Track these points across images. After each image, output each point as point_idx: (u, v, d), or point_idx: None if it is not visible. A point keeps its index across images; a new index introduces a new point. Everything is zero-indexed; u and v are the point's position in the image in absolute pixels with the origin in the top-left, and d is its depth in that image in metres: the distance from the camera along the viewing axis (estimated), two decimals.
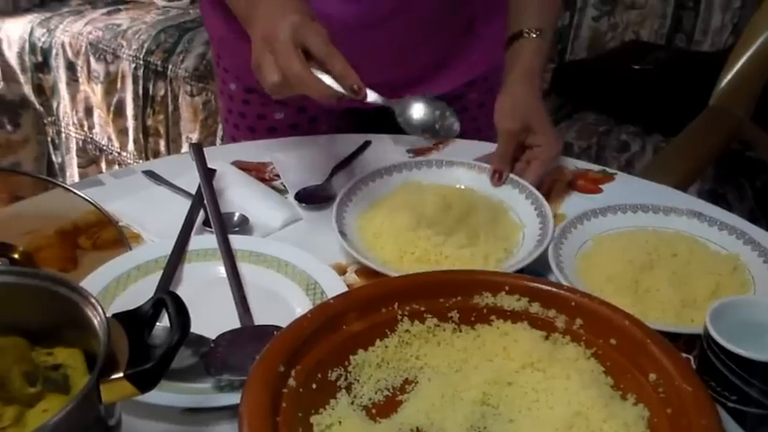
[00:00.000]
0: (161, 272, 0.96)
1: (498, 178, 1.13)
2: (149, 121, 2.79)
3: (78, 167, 3.01)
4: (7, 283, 0.70)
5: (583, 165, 1.28)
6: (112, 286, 0.94)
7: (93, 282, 0.92)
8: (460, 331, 0.85)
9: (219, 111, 1.51)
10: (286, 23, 0.95)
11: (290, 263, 0.98)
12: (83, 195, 1.04)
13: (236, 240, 1.02)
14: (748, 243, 1.03)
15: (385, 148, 1.28)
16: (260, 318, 0.90)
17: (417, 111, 0.99)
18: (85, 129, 2.94)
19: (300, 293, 0.95)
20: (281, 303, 0.94)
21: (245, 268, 0.98)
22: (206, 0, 1.37)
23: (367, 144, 1.28)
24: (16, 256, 0.97)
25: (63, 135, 3.02)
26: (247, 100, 1.38)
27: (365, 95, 0.96)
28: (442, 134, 1.02)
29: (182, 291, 0.94)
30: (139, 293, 0.90)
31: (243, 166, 1.22)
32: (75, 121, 2.94)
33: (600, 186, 1.22)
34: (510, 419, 0.76)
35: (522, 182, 1.12)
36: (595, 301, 0.83)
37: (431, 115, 0.99)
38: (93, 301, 0.67)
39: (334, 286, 0.94)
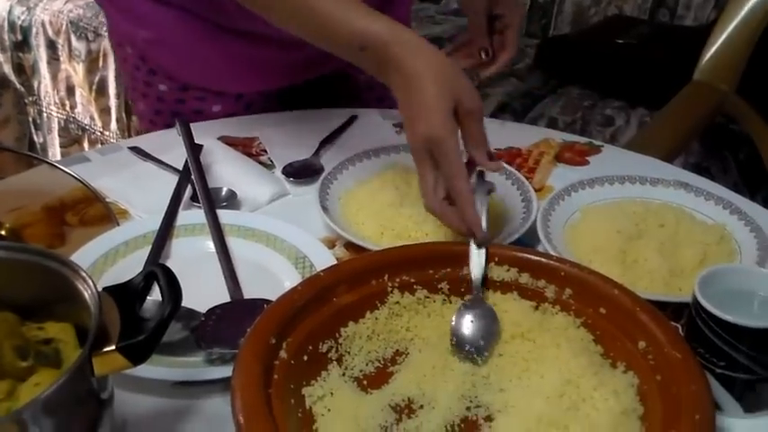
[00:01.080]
0: (149, 247, 0.96)
1: (486, 54, 1.20)
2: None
3: (60, 147, 2.99)
4: None
5: (569, 137, 1.28)
6: (101, 262, 0.93)
7: (82, 257, 0.92)
8: (450, 302, 0.85)
9: (139, 118, 1.43)
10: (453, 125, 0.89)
11: (278, 237, 0.98)
12: (69, 171, 1.03)
13: (225, 215, 1.02)
14: (734, 213, 1.04)
15: (372, 122, 1.28)
16: (250, 291, 0.90)
17: None
18: (67, 108, 2.92)
19: (290, 267, 0.95)
20: (271, 277, 0.94)
21: (233, 243, 0.98)
22: (113, 9, 1.30)
23: (353, 118, 1.28)
24: (3, 232, 0.97)
25: (44, 115, 2.99)
26: (182, 99, 1.32)
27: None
28: None
29: (171, 265, 0.94)
30: (128, 269, 0.90)
31: (230, 142, 1.22)
32: (57, 101, 2.92)
33: (587, 158, 1.23)
34: (501, 389, 0.77)
35: (510, 168, 1.11)
36: (584, 271, 0.84)
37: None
38: (83, 274, 0.67)
39: (323, 259, 0.94)
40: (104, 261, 0.94)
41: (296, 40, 0.99)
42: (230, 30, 1.23)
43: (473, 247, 0.85)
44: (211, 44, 1.25)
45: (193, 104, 1.32)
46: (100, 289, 0.66)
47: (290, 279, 0.92)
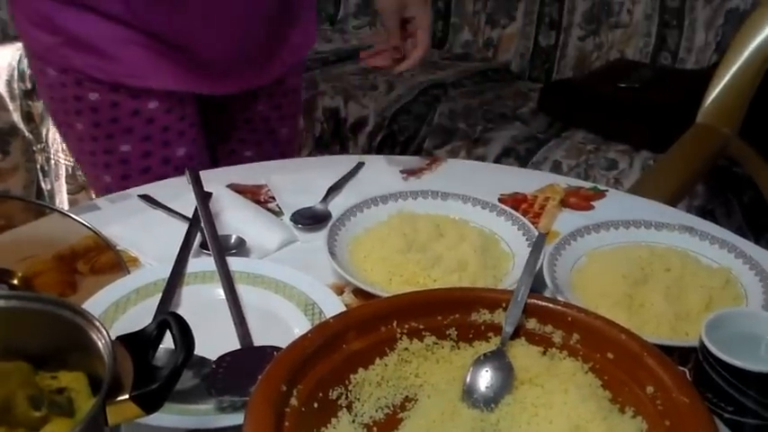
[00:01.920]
0: (160, 295, 0.97)
1: (397, 52, 1.38)
2: None
3: (68, 194, 3.00)
4: (11, 307, 0.70)
5: (574, 182, 1.30)
6: (112, 310, 0.94)
7: (93, 306, 0.93)
8: (459, 348, 0.86)
9: (78, 141, 1.40)
10: None
11: (287, 284, 0.99)
12: (80, 220, 1.05)
13: (234, 262, 1.02)
14: (739, 256, 1.05)
15: (378, 169, 1.29)
16: (259, 339, 0.91)
17: None
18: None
19: (299, 314, 0.95)
20: (280, 324, 0.94)
21: (242, 290, 0.99)
22: (28, 24, 1.31)
23: (360, 165, 1.29)
24: (15, 281, 0.98)
25: (52, 162, 3.02)
26: (116, 102, 1.32)
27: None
28: None
29: (181, 313, 0.95)
30: (139, 317, 0.91)
31: (238, 189, 1.23)
32: (64, 148, 2.94)
33: (592, 203, 1.24)
34: None
35: (516, 213, 1.13)
36: (591, 316, 0.85)
37: None
38: (97, 323, 0.67)
39: (332, 306, 0.95)
40: (115, 309, 0.94)
41: (206, 43, 1.12)
42: (142, 30, 1.28)
43: (513, 301, 0.86)
44: (127, 43, 1.29)
45: (129, 105, 1.33)
46: (113, 338, 0.67)
47: (299, 326, 0.93)
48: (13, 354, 0.70)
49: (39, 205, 1.07)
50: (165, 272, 1.00)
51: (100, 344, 0.67)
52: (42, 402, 0.66)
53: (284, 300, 0.98)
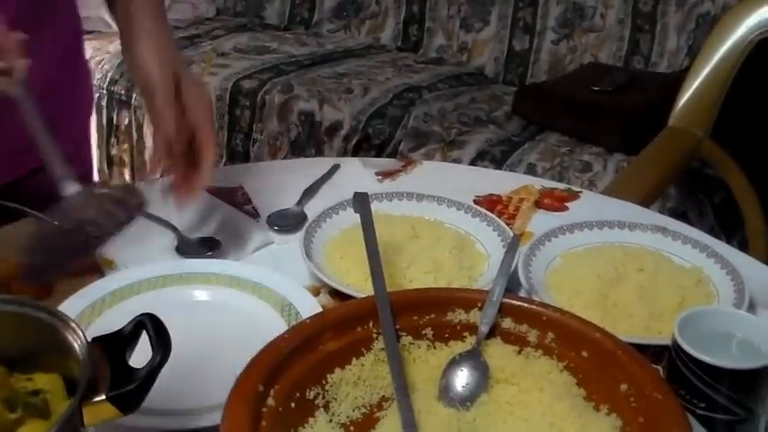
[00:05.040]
0: (135, 297, 0.97)
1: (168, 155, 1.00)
2: (114, 151, 2.78)
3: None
4: None
5: (549, 183, 1.31)
6: (87, 312, 0.94)
7: (68, 308, 0.93)
8: (435, 348, 0.86)
9: None
10: None
11: (263, 285, 0.99)
12: (55, 223, 1.04)
13: (210, 264, 1.02)
14: (711, 256, 1.06)
15: (354, 171, 1.30)
16: (235, 340, 0.91)
17: None
18: None
19: (275, 315, 0.96)
20: (257, 325, 0.95)
21: (219, 292, 0.99)
22: None
23: (336, 167, 1.30)
24: None
25: None
26: None
27: None
28: None
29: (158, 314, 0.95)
30: (114, 319, 0.91)
31: (214, 191, 1.23)
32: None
33: (566, 204, 1.25)
34: None
35: (491, 215, 1.13)
36: (566, 315, 0.85)
37: None
38: (72, 325, 0.67)
39: (309, 307, 0.95)
40: (91, 312, 0.94)
41: None
42: None
43: (489, 301, 0.86)
44: None
45: None
46: (89, 339, 0.67)
47: (276, 327, 0.93)
48: None
49: (14, 208, 1.06)
50: (141, 274, 1.00)
51: (76, 345, 0.66)
52: (17, 404, 0.65)
53: (260, 301, 0.98)
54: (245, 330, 0.94)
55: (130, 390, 0.63)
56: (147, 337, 0.68)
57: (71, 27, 1.19)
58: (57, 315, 0.68)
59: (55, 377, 0.69)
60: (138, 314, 0.71)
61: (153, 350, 0.66)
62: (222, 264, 1.04)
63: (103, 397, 0.63)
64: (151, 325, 0.68)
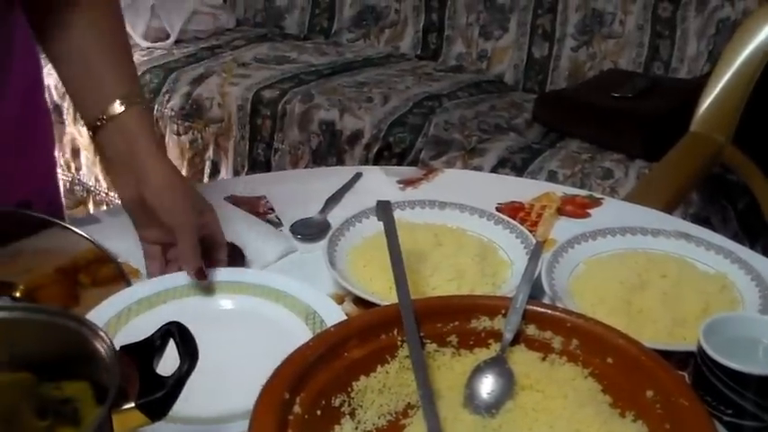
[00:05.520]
0: (161, 306, 0.97)
1: (202, 276, 0.99)
2: None
3: (66, 209, 3.00)
4: (15, 318, 0.71)
5: (570, 190, 1.31)
6: (114, 321, 0.95)
7: (95, 316, 0.93)
8: (459, 355, 0.86)
9: None
10: None
11: (288, 293, 1.00)
12: (81, 233, 1.05)
13: (234, 273, 1.03)
14: (735, 262, 1.06)
15: (376, 180, 1.30)
16: (260, 348, 0.91)
17: None
18: (72, 170, 2.95)
19: (300, 323, 0.96)
20: (282, 333, 0.95)
21: (242, 300, 1.00)
22: None
23: (358, 176, 1.30)
24: (18, 294, 0.98)
25: None
26: None
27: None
28: None
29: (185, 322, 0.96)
30: (141, 327, 0.91)
31: (237, 201, 1.24)
32: (63, 163, 2.95)
33: (588, 211, 1.25)
34: None
35: (513, 222, 1.14)
36: (590, 322, 0.85)
37: None
38: (101, 334, 0.68)
39: (333, 314, 0.96)
40: (117, 320, 0.95)
41: None
42: None
43: (512, 308, 0.87)
44: None
45: None
46: (117, 347, 0.68)
47: (300, 335, 0.94)
48: (17, 364, 0.70)
49: (42, 219, 1.08)
50: (167, 283, 1.00)
51: (104, 353, 0.67)
52: (48, 412, 0.66)
53: (285, 309, 0.98)
54: (270, 339, 0.94)
55: (159, 397, 0.64)
56: (172, 345, 0.69)
57: (31, 69, 1.17)
58: (85, 324, 0.69)
59: (84, 385, 0.70)
60: (164, 323, 0.72)
61: (180, 358, 0.67)
62: (246, 273, 1.04)
63: (132, 404, 0.63)
64: (178, 333, 0.68)
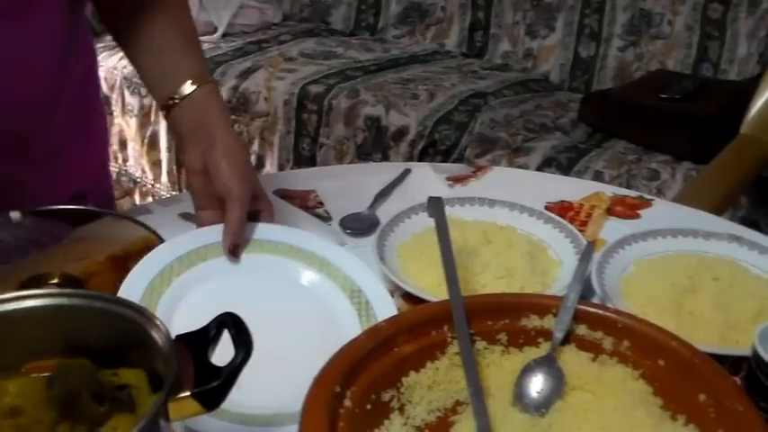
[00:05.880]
0: (201, 264, 0.98)
1: (236, 254, 1.00)
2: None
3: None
4: (73, 305, 0.72)
5: (620, 191, 1.30)
6: (157, 282, 0.94)
7: (137, 278, 0.94)
8: (509, 353, 0.86)
9: None
10: None
11: (331, 263, 1.00)
12: (140, 221, 1.06)
13: (278, 232, 1.03)
14: None
15: (425, 176, 1.30)
16: (302, 319, 0.94)
17: None
18: (120, 161, 2.99)
19: (342, 297, 0.97)
20: (322, 305, 0.97)
21: (284, 263, 1.00)
22: None
23: (407, 172, 1.30)
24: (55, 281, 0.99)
25: None
26: None
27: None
28: None
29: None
30: (183, 288, 0.94)
31: (286, 195, 1.25)
32: (110, 154, 2.99)
33: (638, 212, 1.24)
34: None
35: (563, 221, 1.13)
36: (642, 323, 0.85)
37: None
38: (158, 322, 0.69)
39: (379, 294, 0.97)
40: (160, 281, 0.94)
41: None
42: None
43: (563, 308, 0.86)
44: None
45: None
46: (161, 314, 0.68)
47: (341, 308, 0.96)
48: (74, 351, 0.71)
49: (98, 211, 1.09)
50: (208, 238, 1.00)
51: (161, 342, 0.68)
52: (105, 398, 0.67)
53: (328, 279, 0.99)
54: (308, 307, 0.96)
55: (214, 387, 0.64)
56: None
57: (88, 63, 1.19)
58: (142, 312, 0.70)
59: (139, 372, 0.70)
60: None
61: (235, 349, 0.67)
62: (292, 234, 1.04)
63: (188, 393, 0.64)
64: (233, 324, 0.69)
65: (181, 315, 0.91)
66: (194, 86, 1.05)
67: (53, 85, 1.07)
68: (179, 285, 0.95)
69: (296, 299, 0.98)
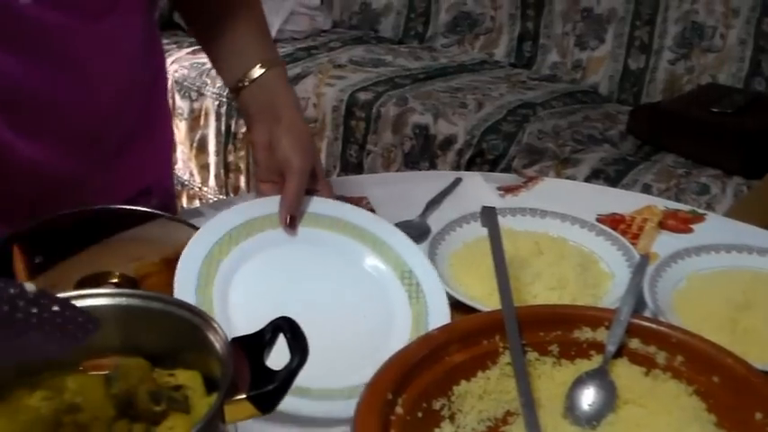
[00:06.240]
0: (259, 234, 0.99)
1: (293, 225, 1.01)
2: (230, 158, 2.85)
3: None
4: (131, 305, 0.73)
5: (672, 204, 1.29)
6: (216, 250, 0.96)
7: (197, 246, 0.96)
8: (560, 365, 0.86)
9: None
10: None
11: (386, 243, 1.02)
12: (193, 224, 1.07)
13: (335, 208, 1.05)
14: None
15: (476, 186, 1.30)
16: (349, 294, 0.96)
17: None
18: None
19: (394, 279, 0.99)
20: (373, 284, 0.98)
21: (338, 240, 1.02)
22: None
23: (458, 181, 1.30)
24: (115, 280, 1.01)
25: None
26: None
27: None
28: None
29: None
30: (243, 254, 0.97)
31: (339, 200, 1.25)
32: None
33: (690, 226, 1.23)
34: None
35: (615, 234, 1.12)
36: (696, 338, 0.84)
37: None
38: (215, 325, 0.69)
39: (430, 280, 0.98)
40: (219, 249, 0.96)
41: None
42: None
43: (616, 321, 0.86)
44: None
45: None
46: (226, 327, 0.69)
47: (394, 290, 0.97)
48: (131, 350, 0.72)
49: (139, 212, 1.11)
50: (266, 208, 1.02)
51: (217, 344, 0.68)
52: (162, 398, 0.68)
53: (381, 261, 1.00)
54: (357, 285, 0.98)
55: (270, 390, 0.65)
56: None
57: (158, 66, 1.23)
58: (200, 314, 0.70)
59: (195, 374, 0.71)
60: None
61: (291, 353, 0.68)
62: (348, 211, 1.06)
63: (244, 396, 0.65)
64: (289, 329, 0.69)
65: (238, 283, 0.94)
66: (263, 69, 1.10)
67: (127, 85, 1.10)
68: (237, 254, 0.97)
69: (347, 275, 0.99)
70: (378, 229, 1.03)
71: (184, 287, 0.91)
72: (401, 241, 1.03)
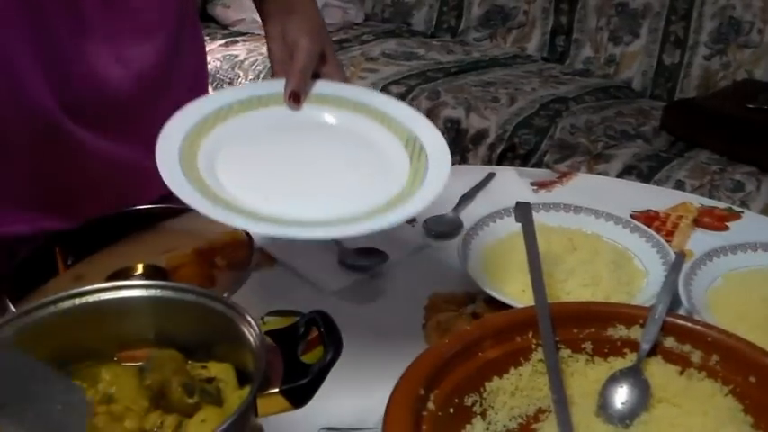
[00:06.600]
0: (262, 108, 0.99)
1: (296, 100, 1.00)
2: None
3: None
4: (165, 297, 0.73)
5: (708, 202, 1.28)
6: (211, 116, 0.96)
7: (198, 108, 0.96)
8: (593, 363, 0.85)
9: None
10: None
11: (391, 115, 1.00)
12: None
13: (340, 89, 1.03)
14: None
15: (509, 181, 1.30)
16: (349, 161, 0.96)
17: None
18: None
19: (399, 146, 0.97)
20: (376, 151, 0.97)
21: (344, 116, 1.00)
22: None
23: (491, 176, 1.30)
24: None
25: None
26: None
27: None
28: None
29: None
30: (242, 125, 0.96)
31: None
32: None
33: (726, 224, 1.21)
34: None
35: (650, 231, 1.11)
36: (732, 338, 0.83)
37: None
38: (248, 318, 0.69)
39: (436, 143, 0.97)
40: (216, 116, 0.97)
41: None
42: None
43: (651, 319, 0.85)
44: None
45: None
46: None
47: (395, 156, 0.95)
48: (164, 342, 0.73)
49: (171, 208, 1.12)
50: (269, 88, 1.01)
51: (250, 338, 0.69)
52: (195, 390, 0.68)
53: (386, 131, 0.99)
54: (362, 153, 0.97)
55: (303, 384, 0.65)
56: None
57: (198, 55, 1.23)
58: (233, 307, 0.71)
59: (227, 367, 0.71)
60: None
61: (324, 347, 0.68)
62: (353, 90, 1.04)
63: (277, 390, 0.65)
64: (323, 323, 0.69)
65: (231, 147, 0.94)
66: None
67: (163, 75, 1.11)
68: (236, 123, 0.97)
69: (349, 141, 0.98)
70: (385, 105, 1.01)
71: (172, 138, 0.92)
72: (410, 114, 1.00)
